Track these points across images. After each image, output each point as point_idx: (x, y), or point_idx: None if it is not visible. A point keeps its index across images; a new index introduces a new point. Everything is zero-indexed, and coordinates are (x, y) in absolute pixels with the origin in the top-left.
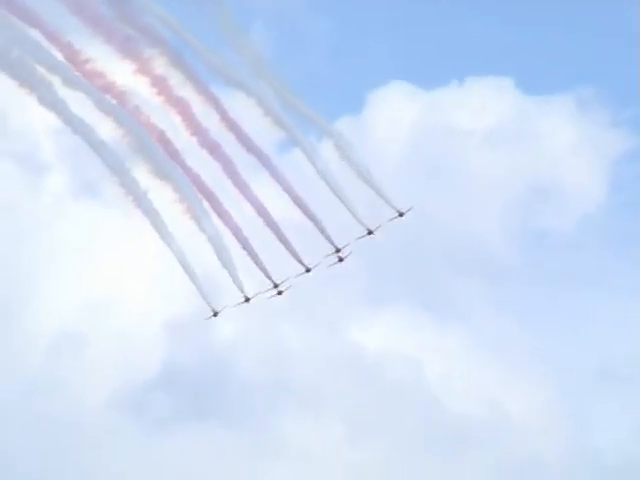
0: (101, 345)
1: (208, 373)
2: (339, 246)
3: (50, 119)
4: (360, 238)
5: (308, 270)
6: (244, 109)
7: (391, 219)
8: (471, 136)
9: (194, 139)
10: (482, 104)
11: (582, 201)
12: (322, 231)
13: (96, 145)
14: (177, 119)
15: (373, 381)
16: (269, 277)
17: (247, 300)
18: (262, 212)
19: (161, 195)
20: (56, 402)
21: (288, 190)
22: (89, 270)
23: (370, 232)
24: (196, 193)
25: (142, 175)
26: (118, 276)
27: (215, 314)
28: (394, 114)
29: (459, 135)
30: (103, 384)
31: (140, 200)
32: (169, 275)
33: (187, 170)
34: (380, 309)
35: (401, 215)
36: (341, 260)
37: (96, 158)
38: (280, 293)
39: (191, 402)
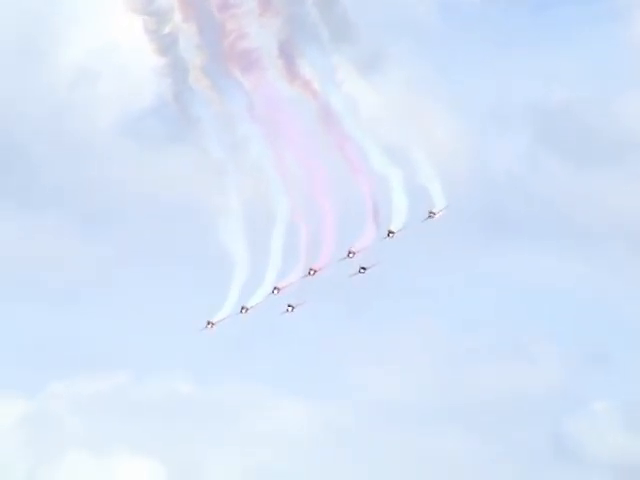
0: (110, 80)
1: None
2: None
3: None
4: None
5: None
6: None
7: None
8: None
9: None
10: None
11: None
12: None
13: None
14: None
15: None
16: None
17: (244, 310)
18: None
19: None
20: (75, 124)
21: None
22: (103, 18)
23: None
24: None
25: None
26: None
27: (210, 324)
28: None
29: None
30: (111, 112)
31: None
32: None
33: None
34: None
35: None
36: None
37: None
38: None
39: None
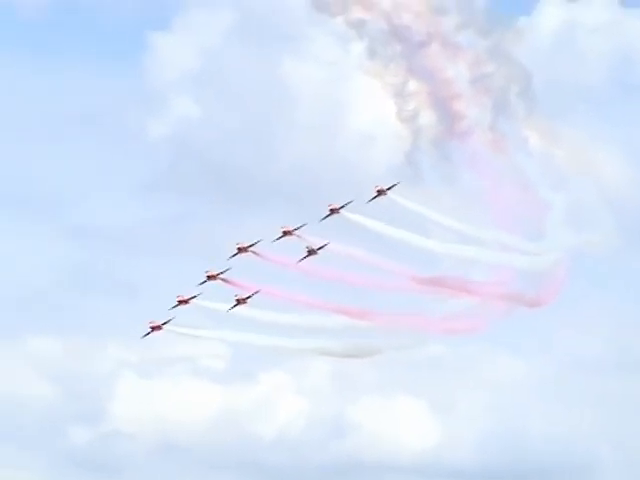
0: (380, 140)
1: None
2: None
3: None
4: None
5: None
6: None
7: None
8: None
9: None
10: None
11: None
12: None
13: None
14: None
15: None
16: None
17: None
18: None
19: None
20: (358, 185)
21: None
22: (372, 98)
23: None
24: None
25: None
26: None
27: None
28: None
29: None
30: (382, 163)
31: None
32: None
33: None
34: None
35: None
36: None
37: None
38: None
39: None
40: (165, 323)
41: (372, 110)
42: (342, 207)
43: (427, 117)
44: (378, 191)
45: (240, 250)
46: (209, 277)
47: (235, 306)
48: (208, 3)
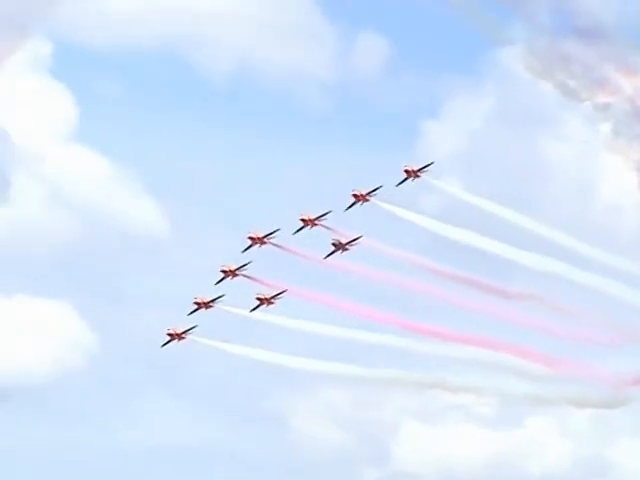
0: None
1: None
2: None
3: None
4: None
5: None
6: None
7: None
8: None
9: None
10: None
11: None
12: None
13: None
14: None
15: None
16: None
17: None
18: None
19: None
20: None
21: None
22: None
23: None
24: None
25: None
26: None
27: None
28: None
29: None
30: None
31: None
32: None
33: None
34: None
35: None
36: None
37: None
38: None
39: None
40: (186, 332)
41: (617, 183)
42: (369, 193)
43: None
44: (406, 171)
45: (253, 241)
46: (224, 273)
47: (258, 307)
48: (471, 92)
